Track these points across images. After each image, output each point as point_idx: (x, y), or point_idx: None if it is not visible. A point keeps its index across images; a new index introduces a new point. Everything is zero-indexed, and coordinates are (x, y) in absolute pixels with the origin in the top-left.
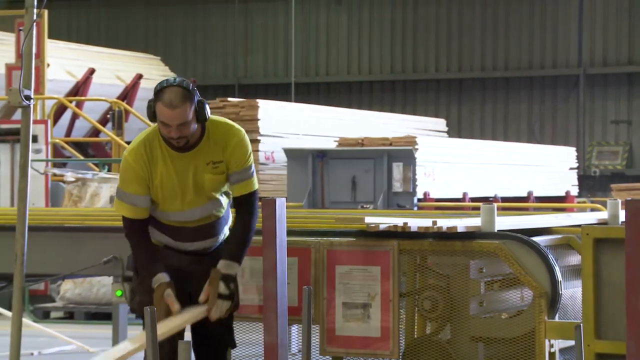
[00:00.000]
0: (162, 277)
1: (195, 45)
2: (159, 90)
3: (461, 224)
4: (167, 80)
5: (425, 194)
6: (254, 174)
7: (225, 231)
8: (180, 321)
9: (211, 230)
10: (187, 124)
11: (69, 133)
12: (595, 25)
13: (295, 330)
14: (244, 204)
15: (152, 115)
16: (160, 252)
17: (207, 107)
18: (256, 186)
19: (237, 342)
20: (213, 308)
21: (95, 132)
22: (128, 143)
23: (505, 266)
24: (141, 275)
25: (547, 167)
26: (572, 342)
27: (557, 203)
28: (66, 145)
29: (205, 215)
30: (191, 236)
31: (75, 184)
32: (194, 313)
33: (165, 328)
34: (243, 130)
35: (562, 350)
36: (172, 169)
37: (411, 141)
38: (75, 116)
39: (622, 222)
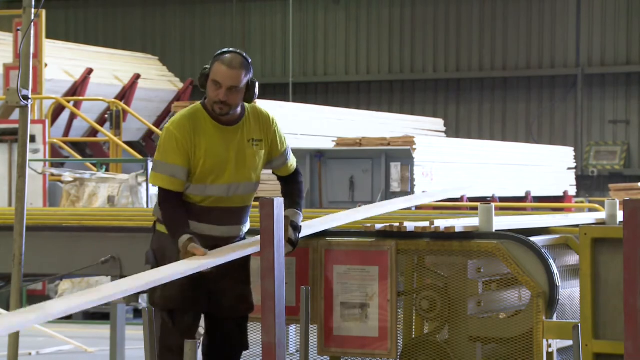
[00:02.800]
0: (187, 236)
1: (193, 45)
2: (221, 53)
3: (459, 224)
4: (229, 48)
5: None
6: (291, 154)
7: (247, 224)
8: (230, 251)
9: (239, 215)
10: (237, 91)
11: (66, 133)
12: (593, 25)
13: (294, 330)
14: (292, 177)
15: (204, 79)
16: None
17: (257, 87)
18: (296, 165)
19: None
20: None
21: (93, 132)
22: (126, 143)
23: (503, 266)
24: (169, 257)
25: (545, 167)
26: (570, 342)
27: (555, 203)
28: (64, 145)
29: (239, 193)
30: (219, 218)
31: (73, 184)
32: (245, 246)
33: (214, 256)
34: (274, 116)
35: (560, 350)
36: (217, 141)
37: (409, 141)
38: (73, 116)
39: (620, 222)
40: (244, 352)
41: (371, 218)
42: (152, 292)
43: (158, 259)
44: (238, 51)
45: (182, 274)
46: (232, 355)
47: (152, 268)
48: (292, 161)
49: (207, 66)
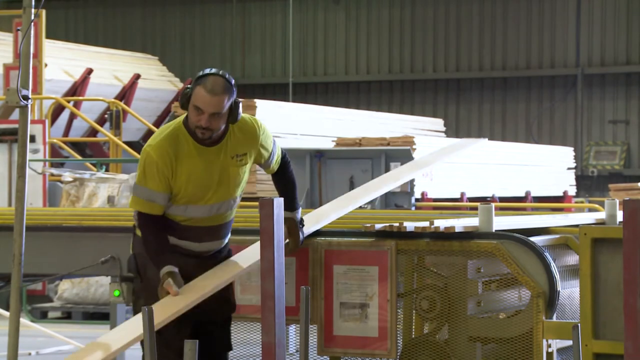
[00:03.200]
0: (167, 268)
1: (193, 45)
2: (202, 76)
3: (459, 223)
4: (212, 68)
5: (423, 194)
6: (276, 145)
7: (228, 235)
8: (203, 287)
9: (220, 231)
10: (219, 117)
11: (66, 133)
12: (593, 25)
13: (293, 330)
14: (282, 169)
15: (185, 101)
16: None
17: (240, 109)
18: (282, 153)
19: (235, 342)
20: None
21: (93, 132)
22: (126, 143)
23: (503, 266)
24: (150, 269)
25: (544, 167)
26: (569, 342)
27: (554, 203)
28: (64, 145)
29: (222, 212)
30: (201, 236)
31: (73, 184)
32: (219, 277)
33: (188, 295)
34: (257, 119)
35: (560, 350)
36: (200, 164)
37: (409, 141)
38: (73, 116)
39: (619, 222)
40: (242, 352)
41: (371, 218)
42: (136, 300)
43: (139, 265)
44: (220, 73)
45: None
46: (218, 358)
47: (135, 275)
48: (278, 156)
49: (189, 86)
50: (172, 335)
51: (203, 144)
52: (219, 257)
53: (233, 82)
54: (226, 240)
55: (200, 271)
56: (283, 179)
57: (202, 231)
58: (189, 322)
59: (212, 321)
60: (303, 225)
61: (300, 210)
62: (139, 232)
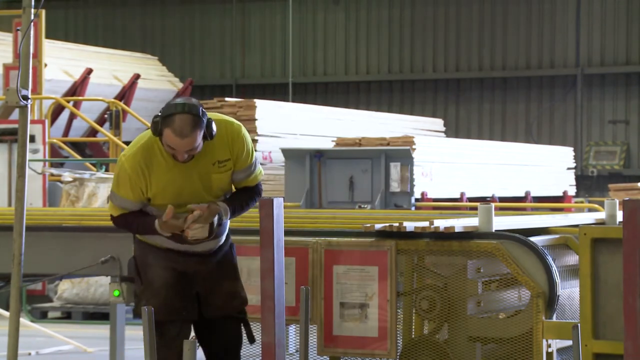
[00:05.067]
0: (157, 221)
1: (192, 45)
2: (168, 116)
3: (459, 224)
4: (176, 104)
5: (422, 194)
6: (258, 164)
7: (225, 232)
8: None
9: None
10: (195, 149)
11: (66, 133)
12: (592, 25)
13: (293, 330)
14: (250, 187)
15: (156, 132)
16: (164, 254)
17: (214, 124)
18: (261, 177)
19: None
20: (194, 227)
21: (93, 132)
22: (126, 143)
23: (502, 266)
24: (150, 271)
25: (544, 167)
26: (569, 342)
27: (554, 203)
28: (64, 145)
29: None
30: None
31: (73, 184)
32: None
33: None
34: (241, 125)
35: (560, 350)
36: (177, 174)
37: (409, 141)
38: (72, 116)
39: (619, 222)
40: (241, 352)
41: (371, 218)
42: (137, 303)
43: (139, 267)
44: (185, 109)
45: None
46: (233, 353)
47: (136, 277)
48: (255, 178)
49: (158, 114)
50: (172, 336)
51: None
52: (220, 253)
53: (200, 110)
54: (223, 239)
55: (201, 268)
56: (246, 191)
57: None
58: (189, 323)
59: (224, 316)
60: (221, 220)
61: (229, 213)
62: (138, 236)
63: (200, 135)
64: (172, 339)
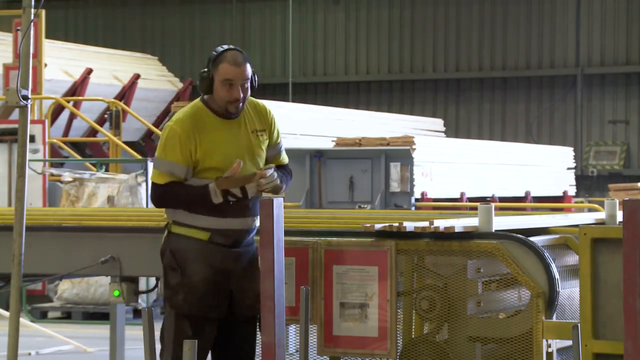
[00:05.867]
0: (210, 185)
1: (192, 45)
2: (220, 54)
3: (459, 224)
4: (222, 48)
5: (422, 194)
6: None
7: (257, 218)
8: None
9: (253, 205)
10: (246, 86)
11: (66, 133)
12: (592, 25)
13: (293, 330)
14: (284, 166)
15: (208, 83)
16: (204, 248)
17: (256, 76)
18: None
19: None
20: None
21: (93, 132)
22: (126, 143)
23: (502, 266)
24: (190, 265)
25: (544, 167)
26: (569, 342)
27: (554, 203)
28: (64, 145)
29: None
30: (225, 210)
31: (73, 184)
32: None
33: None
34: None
35: (560, 350)
36: (224, 136)
37: (409, 141)
38: (72, 116)
39: (619, 222)
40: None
41: (371, 218)
42: (173, 295)
43: (178, 260)
44: (232, 47)
45: None
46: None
47: (173, 269)
48: (285, 155)
49: (205, 69)
50: (201, 332)
51: (224, 117)
52: (251, 251)
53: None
54: (254, 224)
55: (236, 265)
56: (281, 168)
57: (227, 205)
58: (214, 322)
59: (251, 317)
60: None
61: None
62: (175, 229)
63: (250, 69)
64: (206, 334)
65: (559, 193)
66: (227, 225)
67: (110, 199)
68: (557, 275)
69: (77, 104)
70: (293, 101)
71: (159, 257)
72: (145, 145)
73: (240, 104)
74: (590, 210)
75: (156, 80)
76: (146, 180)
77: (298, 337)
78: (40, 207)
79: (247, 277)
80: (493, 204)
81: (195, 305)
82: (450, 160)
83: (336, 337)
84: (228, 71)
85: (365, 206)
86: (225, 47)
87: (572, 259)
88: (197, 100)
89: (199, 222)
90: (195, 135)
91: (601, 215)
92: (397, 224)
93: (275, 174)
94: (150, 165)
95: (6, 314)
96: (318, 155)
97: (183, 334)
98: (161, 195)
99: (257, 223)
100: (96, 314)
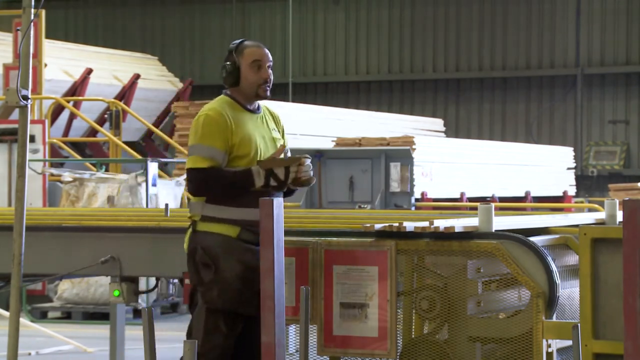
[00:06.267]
0: (253, 168)
1: (192, 45)
2: (240, 43)
3: (459, 224)
4: (240, 40)
5: (422, 194)
6: None
7: None
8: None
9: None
10: (271, 69)
11: (66, 133)
12: (592, 25)
13: (293, 330)
14: None
15: (235, 74)
16: (234, 244)
17: None
18: None
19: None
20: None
21: (93, 132)
22: (126, 143)
23: (502, 266)
24: (224, 261)
25: (544, 167)
26: (569, 342)
27: (554, 203)
28: (64, 145)
29: None
30: (257, 202)
31: (73, 184)
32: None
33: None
34: None
35: (560, 350)
36: (251, 127)
37: (409, 141)
38: (72, 116)
39: (619, 222)
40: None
41: (371, 218)
42: (207, 291)
43: (211, 256)
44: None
45: None
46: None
47: (206, 266)
48: None
49: (227, 62)
50: (229, 331)
51: (250, 111)
52: None
53: None
54: None
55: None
56: None
57: (262, 193)
58: (240, 320)
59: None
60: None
61: None
62: (202, 227)
63: None
64: (236, 329)
65: (559, 193)
66: (252, 217)
67: (110, 199)
68: (557, 276)
69: (77, 104)
70: (293, 101)
71: (158, 257)
72: (145, 145)
73: (269, 86)
74: (590, 210)
75: (156, 80)
76: (146, 180)
77: (298, 337)
78: (40, 207)
79: None
80: (493, 204)
81: (229, 300)
82: (450, 160)
83: (336, 337)
84: (255, 52)
85: (365, 206)
86: (240, 39)
87: (572, 259)
88: (221, 96)
89: (229, 214)
90: (231, 123)
91: (601, 215)
92: (397, 224)
93: (311, 165)
94: (151, 165)
95: (6, 314)
96: (318, 155)
97: (216, 329)
98: (204, 180)
99: None
100: (96, 314)
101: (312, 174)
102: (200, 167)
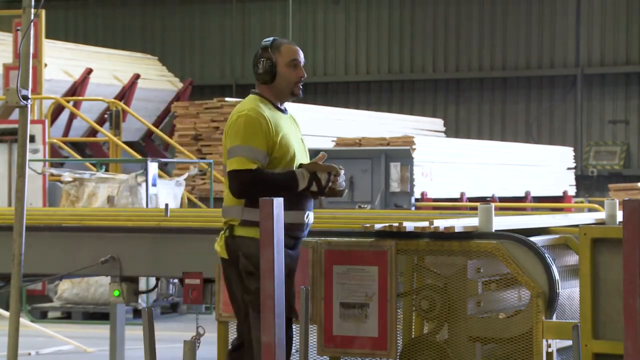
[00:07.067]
0: (299, 170)
1: (192, 45)
2: (274, 40)
3: (459, 224)
4: (271, 38)
5: (422, 194)
6: None
7: None
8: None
9: (310, 199)
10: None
11: (66, 133)
12: (592, 25)
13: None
14: None
15: (272, 72)
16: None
17: None
18: None
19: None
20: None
21: (93, 132)
22: (126, 143)
23: (502, 266)
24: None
25: (544, 167)
26: (569, 342)
27: (554, 203)
28: (63, 145)
29: None
30: (302, 203)
31: (73, 184)
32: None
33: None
34: None
35: (560, 350)
36: (286, 127)
37: (409, 141)
38: (72, 116)
39: (619, 222)
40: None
41: (371, 218)
42: (256, 299)
43: (254, 263)
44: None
45: None
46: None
47: (250, 274)
48: None
49: (262, 59)
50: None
51: (281, 111)
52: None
53: None
54: (311, 219)
55: (296, 266)
56: None
57: (301, 197)
58: (290, 323)
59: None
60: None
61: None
62: (240, 232)
63: None
64: (287, 334)
65: (559, 193)
66: (295, 219)
67: (110, 199)
68: (557, 276)
69: (77, 104)
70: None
71: (158, 257)
72: (145, 145)
73: (302, 85)
74: (590, 210)
75: (156, 80)
76: (146, 180)
77: (298, 337)
78: (40, 207)
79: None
80: (493, 204)
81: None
82: (450, 160)
83: (336, 337)
84: (293, 50)
85: (365, 206)
86: (272, 37)
87: (572, 259)
88: (251, 95)
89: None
90: (271, 123)
91: (601, 215)
92: (397, 224)
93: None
94: (150, 165)
95: (6, 314)
96: None
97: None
98: (251, 182)
99: (312, 218)
100: (96, 314)
101: (344, 185)
102: (246, 168)
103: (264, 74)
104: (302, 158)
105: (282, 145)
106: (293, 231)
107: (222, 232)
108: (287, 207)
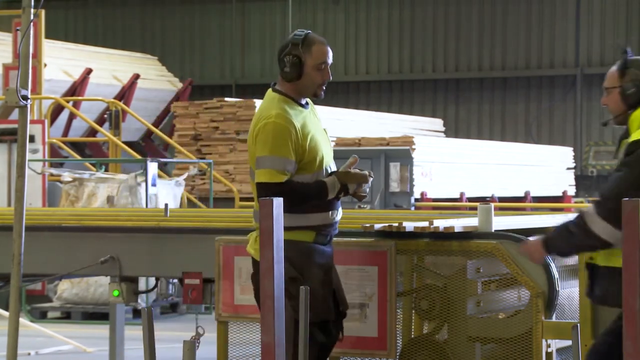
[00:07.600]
0: (329, 179)
1: (192, 45)
2: (306, 36)
3: (458, 224)
4: (300, 33)
5: (422, 194)
6: None
7: None
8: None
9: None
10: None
11: (66, 133)
12: (592, 25)
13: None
14: None
15: (299, 70)
16: (312, 249)
17: None
18: None
19: (234, 341)
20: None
21: (93, 132)
22: (125, 143)
23: (502, 266)
24: (312, 266)
25: (544, 167)
26: (569, 342)
27: (554, 203)
28: (63, 145)
29: None
30: (335, 202)
31: (73, 184)
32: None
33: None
34: None
35: (559, 350)
36: (312, 125)
37: (408, 141)
38: (72, 116)
39: None
40: (241, 352)
41: (370, 218)
42: (298, 305)
43: (296, 267)
44: (304, 30)
45: None
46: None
47: (292, 279)
48: None
49: (290, 55)
50: (328, 339)
51: (303, 107)
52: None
53: None
54: (339, 217)
55: (332, 262)
56: None
57: (328, 201)
58: (332, 325)
59: (343, 313)
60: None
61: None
62: (292, 235)
63: None
64: (330, 337)
65: (558, 193)
66: (324, 220)
67: (109, 199)
68: (556, 275)
69: (76, 104)
70: None
71: (158, 257)
72: (144, 145)
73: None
74: None
75: (156, 80)
76: (145, 180)
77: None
78: (40, 207)
79: (336, 272)
80: (492, 204)
81: (321, 312)
82: (450, 160)
83: None
84: (324, 53)
85: (365, 206)
86: (301, 30)
87: (571, 259)
88: (273, 93)
89: (305, 220)
90: (298, 129)
91: None
92: (396, 224)
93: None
94: (150, 165)
95: (6, 314)
96: None
97: (316, 343)
98: (279, 194)
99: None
100: (96, 314)
101: (367, 190)
102: (275, 181)
103: (290, 72)
104: (327, 150)
105: (311, 149)
106: (324, 229)
107: (256, 235)
108: (316, 209)
